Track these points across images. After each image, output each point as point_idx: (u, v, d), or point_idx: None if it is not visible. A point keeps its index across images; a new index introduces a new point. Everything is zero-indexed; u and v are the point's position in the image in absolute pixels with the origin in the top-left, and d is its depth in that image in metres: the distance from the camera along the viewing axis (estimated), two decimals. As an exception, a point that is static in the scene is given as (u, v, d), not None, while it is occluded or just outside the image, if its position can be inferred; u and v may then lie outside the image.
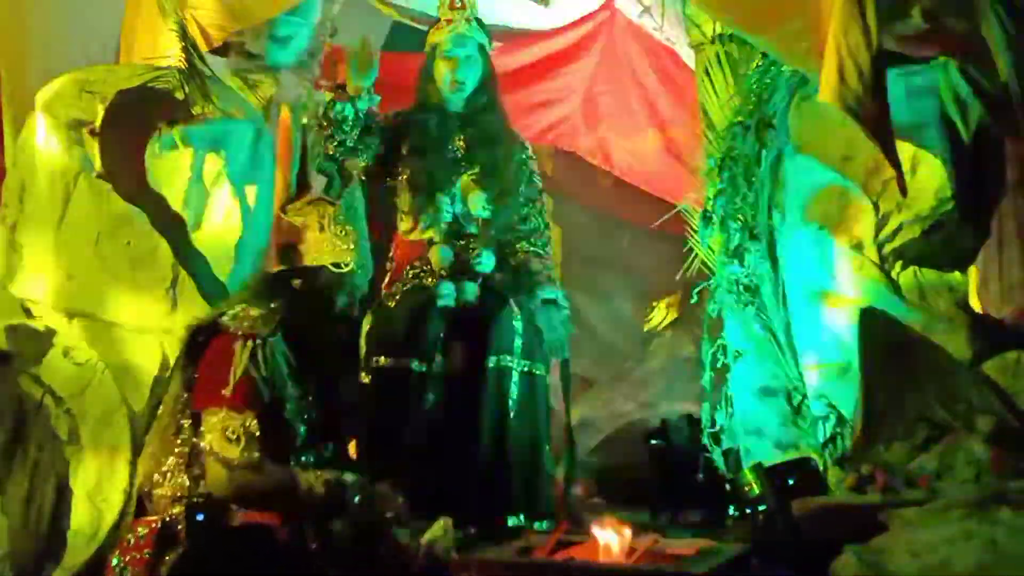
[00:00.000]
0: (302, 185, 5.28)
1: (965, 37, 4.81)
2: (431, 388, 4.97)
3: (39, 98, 4.90)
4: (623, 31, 6.07)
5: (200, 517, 4.05)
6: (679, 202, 5.32)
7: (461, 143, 5.39)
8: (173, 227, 4.89)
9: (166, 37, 5.11)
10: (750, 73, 5.07)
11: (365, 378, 5.12)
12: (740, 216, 4.99)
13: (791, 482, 4.38)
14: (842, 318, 4.70)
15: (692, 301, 5.26)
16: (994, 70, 4.78)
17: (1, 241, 4.87)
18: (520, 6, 5.69)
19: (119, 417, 4.72)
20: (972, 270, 4.83)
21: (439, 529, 4.06)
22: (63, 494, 4.64)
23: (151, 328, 4.83)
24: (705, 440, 5.13)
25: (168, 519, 4.08)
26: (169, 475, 4.18)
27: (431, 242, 5.27)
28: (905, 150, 4.57)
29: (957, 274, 4.75)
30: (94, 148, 4.80)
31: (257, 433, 4.11)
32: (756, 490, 4.44)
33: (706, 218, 5.08)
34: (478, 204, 5.30)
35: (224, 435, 4.10)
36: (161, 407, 4.38)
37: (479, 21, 5.46)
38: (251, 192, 5.09)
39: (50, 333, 4.77)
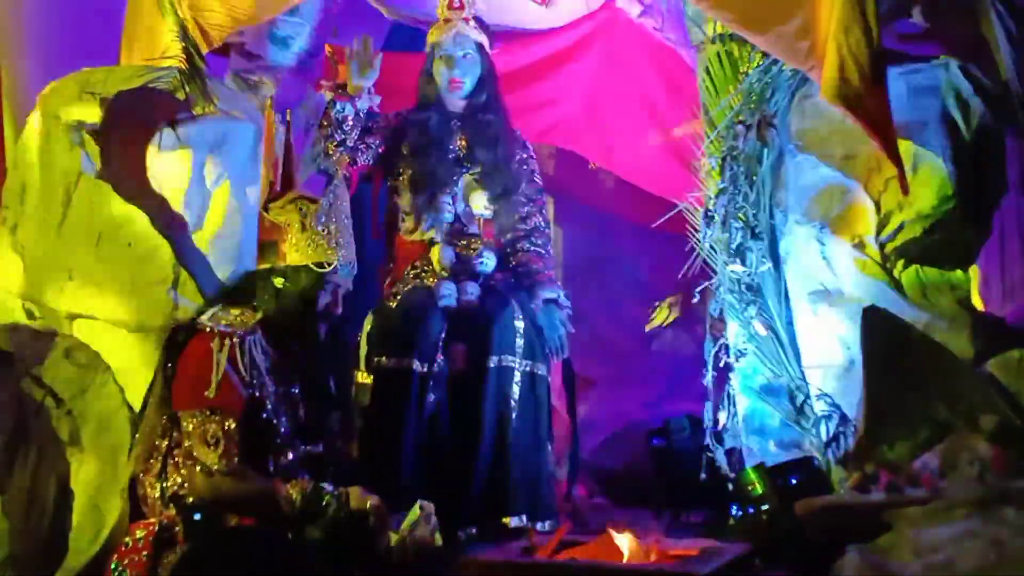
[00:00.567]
0: (286, 183, 5.24)
1: (965, 35, 4.84)
2: (433, 388, 4.95)
3: (40, 99, 4.91)
4: (624, 31, 6.03)
5: (197, 517, 4.06)
6: (680, 201, 5.29)
7: (462, 142, 5.40)
8: (174, 228, 4.88)
9: (166, 37, 5.11)
10: (751, 72, 5.05)
11: (366, 378, 5.13)
12: (741, 215, 4.98)
13: (794, 482, 4.40)
14: (844, 317, 4.70)
15: (694, 300, 5.22)
16: (995, 68, 4.80)
17: (2, 242, 4.87)
18: (520, 6, 5.66)
19: (120, 419, 4.72)
20: (973, 268, 4.84)
21: (415, 514, 4.07)
22: (64, 496, 4.63)
23: (152, 328, 4.83)
24: (707, 440, 5.10)
25: (165, 521, 4.09)
26: (156, 477, 4.19)
27: (432, 242, 5.28)
28: (906, 148, 4.57)
29: (959, 272, 4.76)
30: (94, 149, 4.81)
31: (236, 436, 4.12)
32: (759, 490, 4.45)
33: (707, 217, 5.06)
34: (479, 204, 5.32)
35: (203, 439, 4.13)
36: (146, 409, 4.39)
37: (478, 20, 5.46)
38: (252, 192, 5.09)
39: (51, 334, 4.78)
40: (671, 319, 6.33)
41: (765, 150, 4.98)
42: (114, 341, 4.82)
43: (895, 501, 3.83)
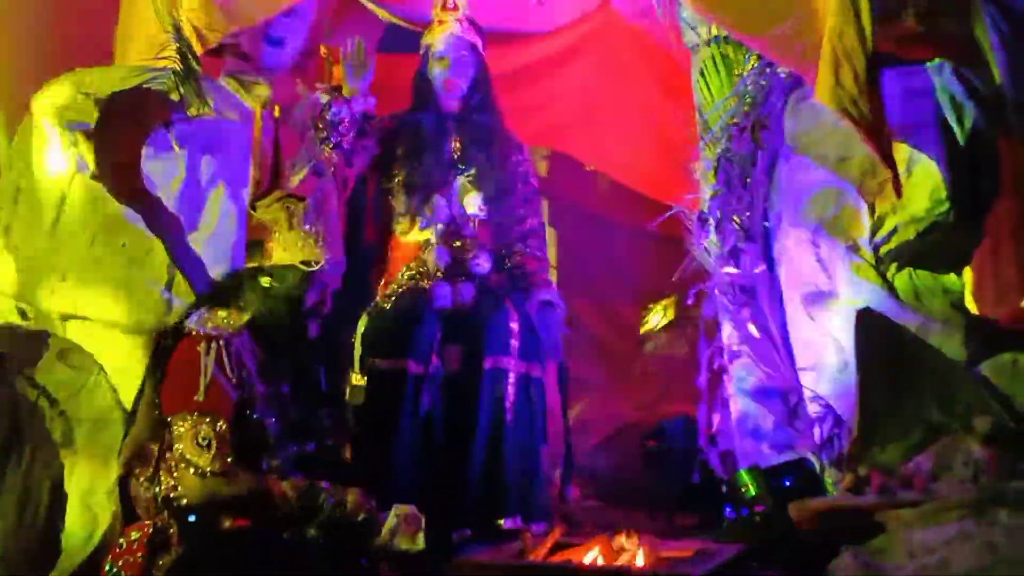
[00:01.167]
0: (274, 182, 5.23)
1: (959, 38, 4.83)
2: (427, 390, 4.95)
3: (35, 100, 4.91)
4: (619, 33, 6.06)
5: (192, 519, 4.06)
6: (675, 204, 5.30)
7: (457, 144, 5.40)
8: (168, 228, 4.88)
9: (161, 38, 5.09)
10: (745, 75, 5.07)
11: (360, 379, 5.12)
12: (736, 217, 5.00)
13: (788, 484, 4.41)
14: (838, 319, 4.71)
15: (689, 303, 5.23)
16: (988, 71, 4.80)
17: (-4, 243, 4.88)
18: (515, 7, 5.67)
19: (114, 420, 4.71)
20: (967, 271, 4.83)
21: (393, 519, 4.08)
22: (57, 497, 4.62)
23: (147, 329, 4.83)
24: (701, 442, 5.11)
25: (159, 524, 4.08)
26: (149, 480, 4.18)
27: (427, 243, 5.27)
28: (900, 151, 4.59)
29: (952, 276, 4.75)
30: (89, 150, 4.80)
31: (228, 437, 4.12)
32: (753, 492, 4.45)
33: (702, 220, 5.08)
34: (474, 205, 5.31)
35: (195, 442, 4.11)
36: (137, 413, 4.38)
37: (472, 22, 5.48)
38: (246, 193, 5.10)
39: (45, 335, 4.77)
40: (665, 321, 6.32)
41: (759, 152, 5.01)
42: (108, 342, 4.82)
43: (888, 503, 3.85)
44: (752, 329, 4.94)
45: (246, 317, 4.31)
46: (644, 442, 5.71)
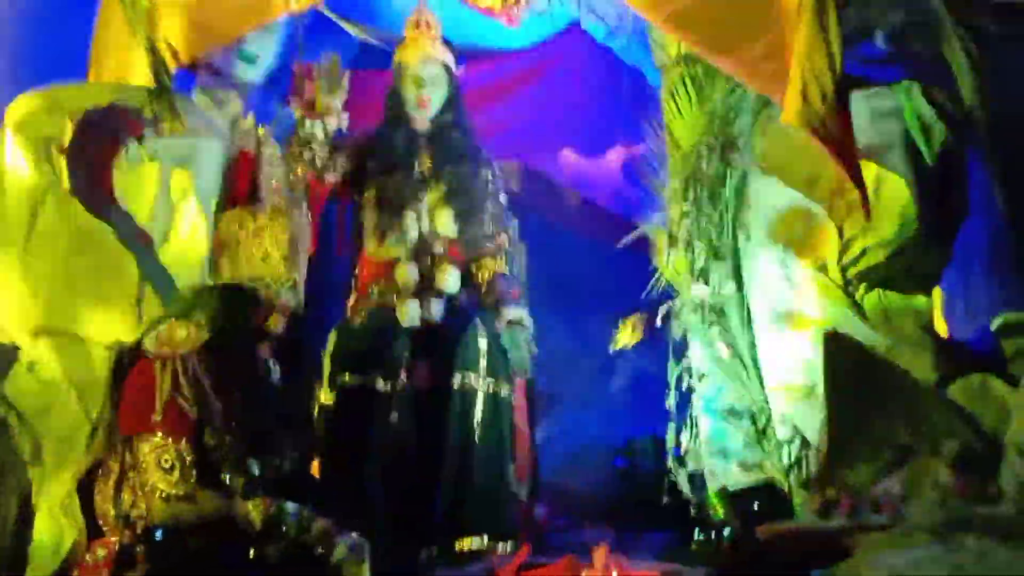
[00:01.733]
0: (248, 197, 5.23)
1: (928, 59, 4.87)
2: (396, 406, 4.97)
3: (8, 115, 4.89)
4: (589, 52, 6.11)
5: (159, 536, 4.05)
6: (645, 221, 5.32)
7: (428, 161, 5.42)
8: (139, 243, 4.88)
9: (135, 54, 5.12)
10: (715, 94, 5.09)
11: (329, 396, 5.12)
12: (705, 237, 5.01)
13: (756, 506, 4.42)
14: (807, 340, 4.72)
15: (657, 322, 5.23)
16: (957, 92, 4.84)
17: (-34, 258, 4.86)
18: (487, 26, 5.69)
19: (82, 436, 4.68)
20: (936, 291, 4.87)
21: (342, 551, 4.07)
22: (26, 511, 4.62)
23: (116, 345, 4.81)
24: (670, 462, 5.11)
25: (125, 542, 4.07)
26: (112, 499, 4.16)
27: (397, 260, 5.28)
28: (869, 171, 4.60)
29: (922, 297, 4.78)
30: (62, 165, 4.79)
31: (190, 458, 4.10)
32: (721, 514, 4.48)
33: (671, 239, 5.09)
34: (444, 222, 5.34)
35: (159, 465, 4.09)
36: (94, 431, 4.37)
37: (445, 40, 5.49)
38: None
39: (14, 349, 4.76)
40: (634, 339, 6.34)
41: (729, 172, 5.01)
42: (78, 356, 4.79)
43: (857, 526, 3.86)
44: (721, 348, 4.95)
45: (204, 334, 4.28)
46: (613, 461, 5.71)
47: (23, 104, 4.91)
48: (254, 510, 4.05)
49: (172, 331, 4.25)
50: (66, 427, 4.70)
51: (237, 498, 4.11)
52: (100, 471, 4.22)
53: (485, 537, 4.85)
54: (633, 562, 4.30)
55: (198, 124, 5.16)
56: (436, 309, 5.18)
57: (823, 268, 4.75)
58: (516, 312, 5.35)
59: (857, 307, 4.70)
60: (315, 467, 5.02)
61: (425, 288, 5.23)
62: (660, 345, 5.33)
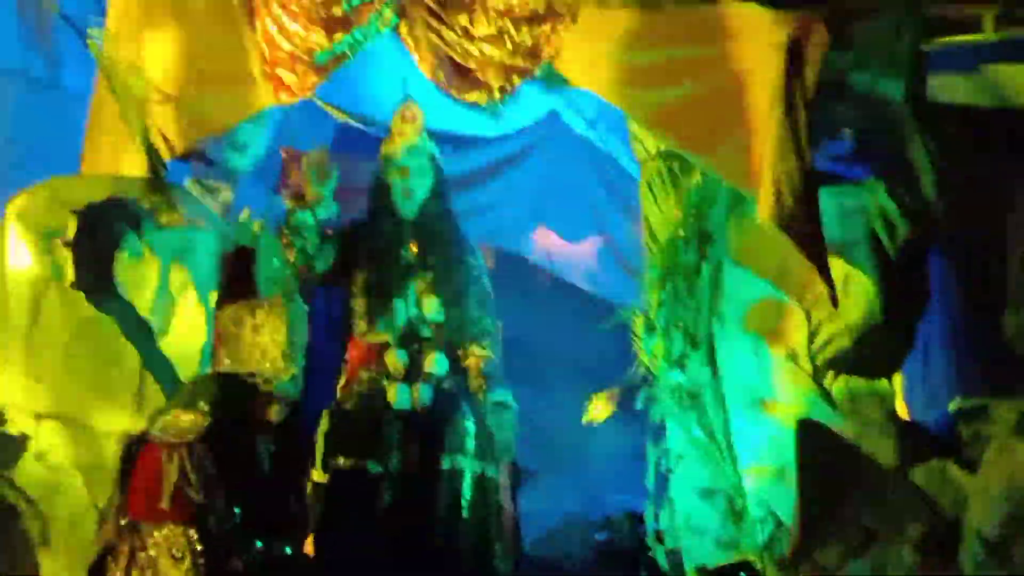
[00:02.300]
0: (245, 288, 5.38)
1: (892, 158, 5.10)
2: (387, 488, 5.15)
3: (10, 208, 5.07)
4: (568, 141, 6.30)
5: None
6: (620, 305, 5.52)
7: (414, 249, 5.60)
8: (140, 333, 5.06)
9: (129, 145, 5.29)
10: (691, 188, 5.28)
11: (322, 477, 5.28)
12: (681, 324, 5.19)
13: None
14: (779, 424, 4.90)
15: (637, 406, 5.40)
16: (919, 190, 5.07)
17: (-33, 347, 5.01)
18: (470, 116, 5.89)
19: (88, 518, 4.90)
20: (898, 377, 5.09)
21: None
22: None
23: (118, 431, 4.98)
24: (649, 540, 5.28)
25: None
26: None
27: (386, 345, 5.46)
28: (837, 267, 4.78)
29: (884, 382, 4.99)
30: (66, 259, 4.96)
31: (200, 547, 4.26)
32: None
33: (649, 326, 5.28)
34: (432, 308, 5.52)
35: (170, 554, 4.25)
36: (103, 517, 4.51)
37: (430, 132, 5.70)
38: (215, 298, 5.26)
39: (24, 438, 4.94)
40: (606, 413, 6.48)
41: (704, 262, 5.21)
42: (82, 442, 4.99)
43: None
44: (698, 431, 5.12)
45: (208, 421, 4.43)
46: (592, 535, 5.86)
47: (25, 198, 5.11)
48: None
49: (177, 419, 4.40)
50: (72, 510, 4.90)
51: None
52: (110, 556, 4.36)
53: (472, 612, 5.04)
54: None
55: (193, 214, 5.34)
56: (425, 393, 5.36)
57: (793, 356, 4.95)
58: (501, 395, 5.55)
59: (826, 394, 4.91)
60: (308, 545, 5.19)
61: (414, 372, 5.42)
62: (636, 424, 5.51)
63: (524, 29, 5.12)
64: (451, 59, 5.20)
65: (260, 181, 5.93)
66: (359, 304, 5.56)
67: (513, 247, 6.75)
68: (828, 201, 4.81)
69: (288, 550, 4.78)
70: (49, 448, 4.94)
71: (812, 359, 4.96)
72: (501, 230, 6.67)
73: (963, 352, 5.16)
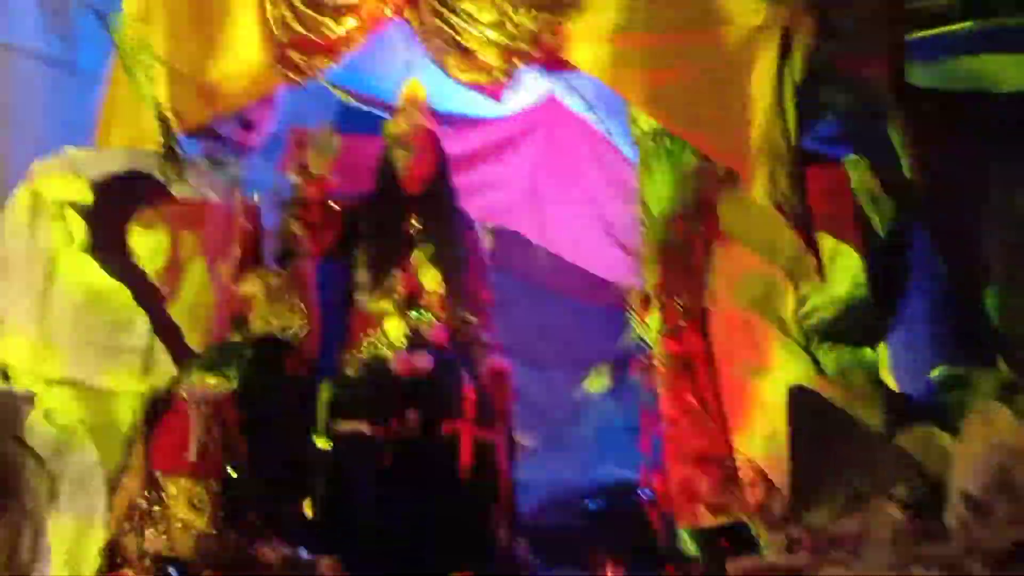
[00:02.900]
0: (254, 259, 5.55)
1: (874, 138, 5.28)
2: (388, 453, 5.30)
3: (27, 175, 5.21)
4: (566, 122, 6.45)
5: (173, 573, 4.34)
6: (617, 281, 5.68)
7: (415, 222, 5.78)
8: (150, 300, 5.20)
9: (143, 121, 5.44)
10: (684, 166, 5.45)
11: (324, 443, 5.45)
12: (675, 297, 5.36)
13: (725, 544, 4.73)
14: (769, 391, 5.06)
15: (630, 375, 5.56)
16: (900, 167, 5.26)
17: (-17, 310, 5.15)
18: (471, 97, 6.04)
19: (96, 478, 5.00)
20: (883, 348, 5.27)
21: None
22: (42, 552, 4.90)
23: (128, 393, 5.13)
24: (643, 504, 5.43)
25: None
26: (135, 533, 4.44)
27: (387, 314, 5.63)
28: (824, 241, 4.99)
29: (869, 351, 5.18)
30: (78, 225, 5.12)
31: (219, 499, 4.41)
32: (692, 551, 4.79)
33: (645, 300, 5.45)
34: (432, 279, 5.69)
35: (190, 503, 4.39)
36: (127, 471, 4.64)
37: (433, 110, 5.87)
38: (222, 266, 5.42)
39: (31, 396, 5.05)
40: (602, 387, 6.60)
41: (697, 237, 5.39)
42: (91, 404, 5.10)
43: (819, 562, 4.21)
44: (690, 399, 5.28)
45: (233, 385, 4.59)
46: (586, 503, 6.00)
47: (44, 167, 5.24)
48: (272, 554, 4.35)
49: (203, 381, 4.56)
50: (80, 470, 5.01)
51: (258, 540, 4.42)
52: (127, 509, 4.50)
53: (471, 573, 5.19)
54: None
55: (203, 187, 5.51)
56: (425, 360, 5.51)
57: (783, 327, 5.14)
58: (499, 362, 5.73)
59: (815, 361, 5.07)
60: (307, 507, 5.35)
61: (414, 341, 5.59)
62: (630, 398, 5.66)
63: (526, 14, 5.30)
64: (455, 42, 5.36)
65: (268, 158, 6.05)
66: (361, 275, 5.73)
67: (511, 226, 6.88)
68: (815, 178, 4.98)
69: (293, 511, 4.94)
70: (58, 408, 5.04)
71: (801, 328, 5.13)
72: (499, 210, 6.80)
73: (945, 324, 5.33)
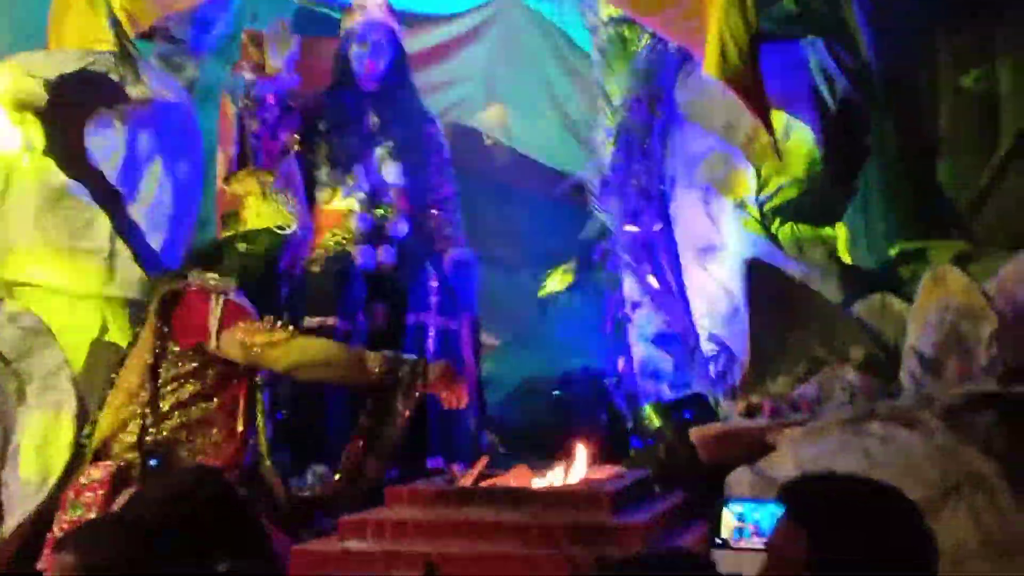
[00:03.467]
0: (242, 159, 5.55)
1: (830, 19, 5.35)
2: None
3: (-21, 82, 5.20)
4: (521, 15, 6.46)
5: (154, 462, 4.38)
6: (576, 172, 5.72)
7: (375, 119, 5.76)
8: (110, 200, 5.21)
9: (94, 22, 5.40)
10: (640, 51, 5.49)
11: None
12: (635, 181, 5.41)
13: (687, 415, 4.80)
14: (729, 269, 5.17)
15: (595, 265, 5.61)
16: (856, 48, 5.31)
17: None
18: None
19: (62, 378, 5.06)
20: (841, 226, 5.34)
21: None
22: (11, 448, 5.00)
23: (91, 295, 5.19)
24: (608, 384, 5.51)
25: (123, 463, 4.39)
26: (130, 425, 4.48)
27: (350, 211, 5.64)
28: (779, 119, 5.06)
29: (828, 228, 5.26)
30: (35, 127, 5.11)
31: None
32: (656, 423, 4.87)
33: (604, 184, 5.50)
34: (393, 174, 5.70)
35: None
36: (123, 366, 4.66)
37: (390, 7, 5.84)
38: (182, 167, 5.45)
39: (-4, 300, 5.09)
40: (564, 285, 6.64)
41: (655, 121, 5.43)
42: (54, 306, 5.15)
43: (779, 425, 4.29)
44: (652, 281, 5.36)
45: (232, 277, 4.63)
46: (551, 392, 6.06)
47: (-3, 72, 5.24)
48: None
49: (203, 275, 4.59)
50: (47, 370, 5.06)
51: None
52: (121, 400, 4.53)
53: (440, 459, 5.19)
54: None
55: (159, 87, 5.50)
56: (389, 254, 5.55)
57: (742, 205, 5.20)
58: (462, 254, 5.73)
59: (773, 238, 5.18)
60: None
61: (377, 235, 5.60)
62: (591, 287, 5.72)
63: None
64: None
65: (222, 58, 6.05)
66: (323, 173, 5.71)
67: (469, 123, 6.90)
68: (770, 57, 4.97)
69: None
70: (22, 311, 5.08)
71: (760, 207, 5.21)
72: (457, 106, 6.82)
73: (901, 199, 5.42)
